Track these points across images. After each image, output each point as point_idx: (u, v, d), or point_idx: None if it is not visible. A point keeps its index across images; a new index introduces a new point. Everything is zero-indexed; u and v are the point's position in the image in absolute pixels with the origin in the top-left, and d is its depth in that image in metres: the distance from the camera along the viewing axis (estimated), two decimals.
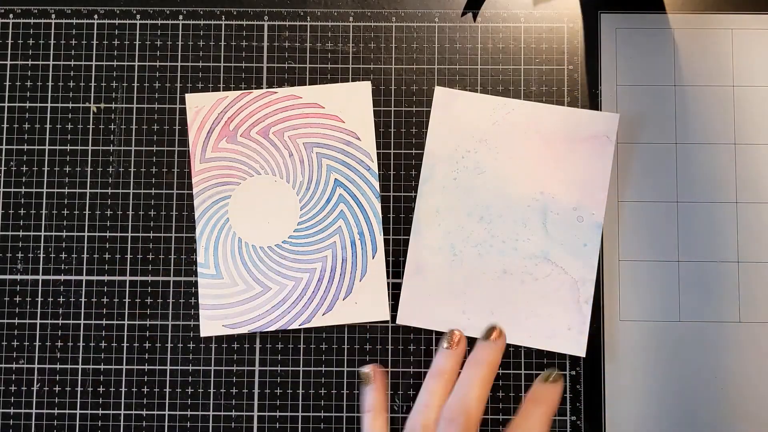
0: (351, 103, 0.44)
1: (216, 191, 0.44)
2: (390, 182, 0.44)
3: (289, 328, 0.43)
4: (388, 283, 0.43)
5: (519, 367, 0.43)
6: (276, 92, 0.44)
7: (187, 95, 0.44)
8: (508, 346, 0.43)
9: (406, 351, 0.43)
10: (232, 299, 0.43)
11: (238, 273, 0.43)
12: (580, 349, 0.43)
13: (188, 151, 0.44)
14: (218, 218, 0.43)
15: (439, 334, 0.43)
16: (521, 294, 0.43)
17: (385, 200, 0.44)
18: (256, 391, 0.43)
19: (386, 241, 0.43)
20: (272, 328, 0.43)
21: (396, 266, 0.43)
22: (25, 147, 0.44)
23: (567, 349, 0.43)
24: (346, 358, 0.43)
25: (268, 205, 0.44)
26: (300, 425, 0.43)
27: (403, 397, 0.43)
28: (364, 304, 0.43)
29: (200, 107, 0.44)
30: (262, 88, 0.44)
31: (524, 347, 0.43)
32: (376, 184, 0.44)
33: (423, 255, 0.43)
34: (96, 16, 0.45)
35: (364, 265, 0.43)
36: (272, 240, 0.43)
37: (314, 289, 0.43)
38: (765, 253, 0.43)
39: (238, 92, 0.44)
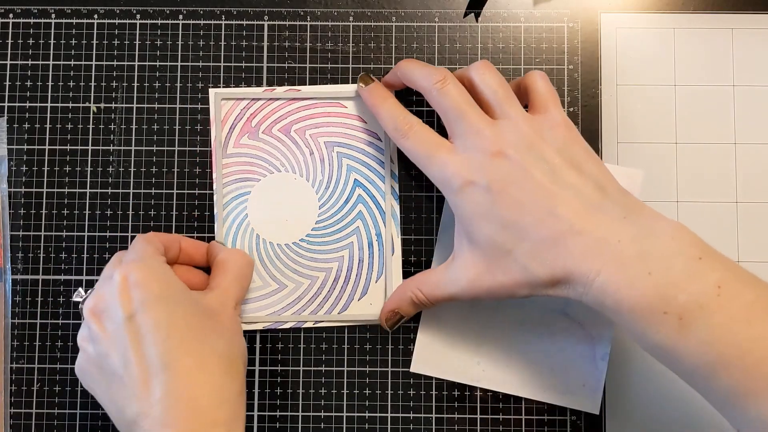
0: None
1: (236, 187, 0.44)
2: (400, 182, 0.44)
3: (303, 326, 0.43)
4: None
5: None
6: (299, 90, 0.44)
7: (211, 90, 0.44)
8: (530, 401, 0.43)
9: (407, 351, 0.43)
10: (248, 295, 0.43)
11: (255, 269, 0.43)
12: (593, 407, 0.42)
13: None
14: (237, 214, 0.43)
15: (453, 383, 0.43)
16: (538, 347, 0.42)
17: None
18: (256, 391, 0.43)
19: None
20: (287, 326, 0.43)
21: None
22: (25, 147, 0.44)
23: (581, 406, 0.42)
24: (346, 358, 0.43)
25: (287, 203, 0.43)
26: (300, 425, 0.43)
27: (403, 396, 0.43)
28: (380, 306, 0.43)
29: (223, 103, 0.44)
30: (262, 87, 0.44)
31: (536, 402, 0.42)
32: (396, 186, 0.44)
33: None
34: (96, 16, 0.45)
35: (380, 267, 0.43)
36: (290, 238, 0.43)
37: (330, 288, 0.43)
38: (765, 253, 0.43)
39: (261, 89, 0.44)
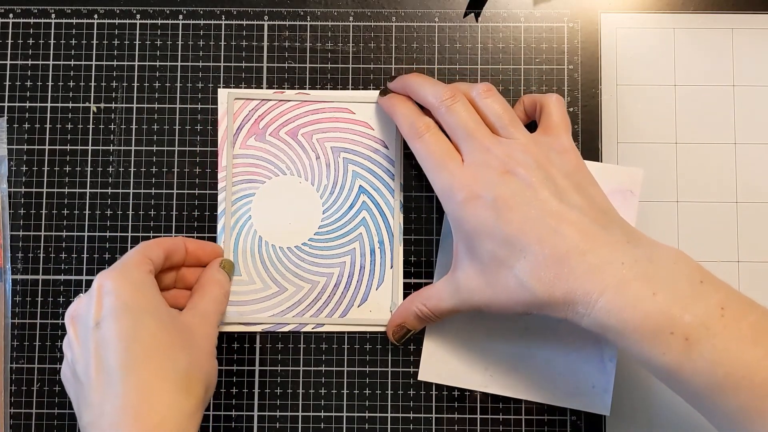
0: (381, 111, 0.43)
1: (241, 188, 0.44)
2: (398, 182, 0.44)
3: (302, 330, 0.43)
4: (404, 294, 0.43)
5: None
6: (308, 93, 0.44)
7: (219, 90, 0.44)
8: (530, 402, 0.43)
9: (407, 351, 0.43)
10: (248, 297, 0.43)
11: (257, 271, 0.43)
12: (604, 408, 0.41)
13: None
14: (241, 215, 0.43)
15: (462, 390, 0.43)
16: (545, 351, 0.42)
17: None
18: (256, 391, 0.43)
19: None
20: (286, 329, 0.43)
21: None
22: (25, 147, 0.44)
23: (591, 408, 0.41)
24: (346, 358, 0.43)
25: (291, 206, 0.43)
26: (300, 425, 0.43)
27: (403, 397, 0.43)
28: (379, 313, 0.43)
29: (232, 103, 0.44)
30: (264, 87, 0.44)
31: (536, 402, 0.42)
32: (401, 195, 0.44)
33: None
34: (96, 16, 0.45)
35: (381, 274, 0.43)
36: (293, 241, 0.43)
37: (330, 293, 0.43)
38: (765, 254, 0.43)
39: (272, 90, 0.44)
